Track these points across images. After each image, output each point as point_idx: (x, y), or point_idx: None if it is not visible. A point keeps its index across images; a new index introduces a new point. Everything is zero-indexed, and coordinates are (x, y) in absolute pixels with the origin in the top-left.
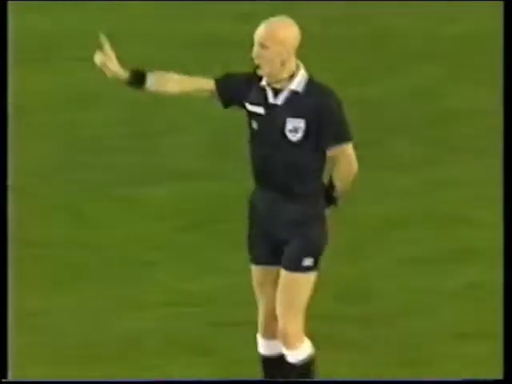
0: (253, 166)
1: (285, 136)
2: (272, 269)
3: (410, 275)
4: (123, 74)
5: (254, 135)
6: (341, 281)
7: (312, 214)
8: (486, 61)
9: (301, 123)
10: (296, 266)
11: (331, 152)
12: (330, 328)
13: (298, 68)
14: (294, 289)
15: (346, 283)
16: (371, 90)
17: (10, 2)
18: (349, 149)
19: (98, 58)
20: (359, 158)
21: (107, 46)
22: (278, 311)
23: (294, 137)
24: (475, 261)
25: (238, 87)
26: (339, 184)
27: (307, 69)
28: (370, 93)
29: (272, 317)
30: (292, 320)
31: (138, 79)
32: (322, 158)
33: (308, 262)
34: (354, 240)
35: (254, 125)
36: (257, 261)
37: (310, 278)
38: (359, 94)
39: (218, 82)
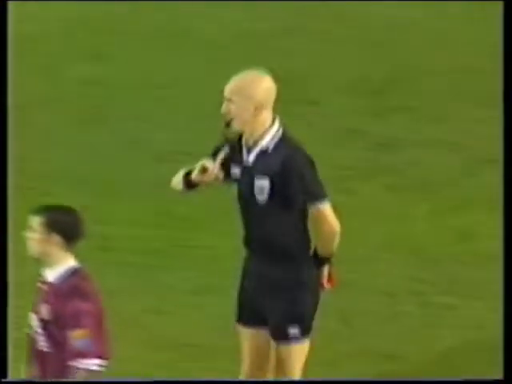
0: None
1: (254, 197)
2: (254, 331)
3: None
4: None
5: (237, 199)
6: None
7: (296, 277)
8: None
9: (265, 183)
10: (282, 336)
11: (309, 212)
12: None
13: (272, 123)
14: (286, 359)
15: None
16: None
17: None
18: (325, 208)
19: (207, 165)
20: None
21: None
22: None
23: (261, 197)
24: None
25: (228, 158)
26: (322, 246)
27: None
28: None
29: (256, 369)
30: None
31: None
32: (297, 218)
33: (294, 330)
34: None
35: (235, 187)
36: (241, 321)
37: (299, 347)
38: None
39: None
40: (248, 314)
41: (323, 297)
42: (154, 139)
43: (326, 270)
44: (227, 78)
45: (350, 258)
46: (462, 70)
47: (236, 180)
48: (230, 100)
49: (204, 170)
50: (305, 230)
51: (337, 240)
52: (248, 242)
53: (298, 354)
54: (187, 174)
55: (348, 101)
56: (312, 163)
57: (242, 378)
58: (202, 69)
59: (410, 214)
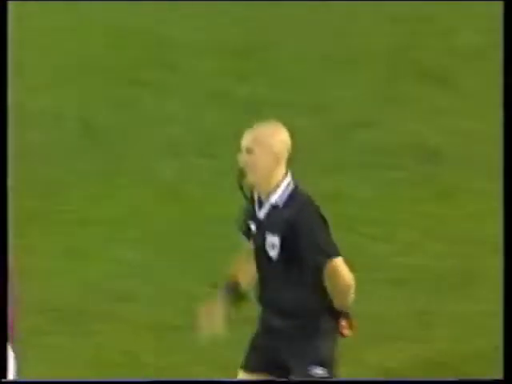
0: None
1: (265, 252)
2: (258, 375)
3: None
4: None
5: (254, 255)
6: None
7: (312, 328)
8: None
9: (276, 240)
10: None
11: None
12: None
13: (284, 178)
14: None
15: None
16: None
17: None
18: (339, 264)
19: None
20: None
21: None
22: None
23: (273, 253)
24: None
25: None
26: (337, 300)
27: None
28: None
29: None
30: None
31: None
32: (309, 274)
33: (319, 371)
34: None
35: (251, 244)
36: (246, 367)
37: None
38: None
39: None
40: (258, 360)
41: None
42: None
43: (343, 321)
44: None
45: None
46: (323, 32)
47: (252, 236)
48: (248, 150)
49: None
50: (319, 285)
51: (352, 293)
52: (261, 298)
53: None
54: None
55: (210, 64)
56: (324, 219)
57: None
58: None
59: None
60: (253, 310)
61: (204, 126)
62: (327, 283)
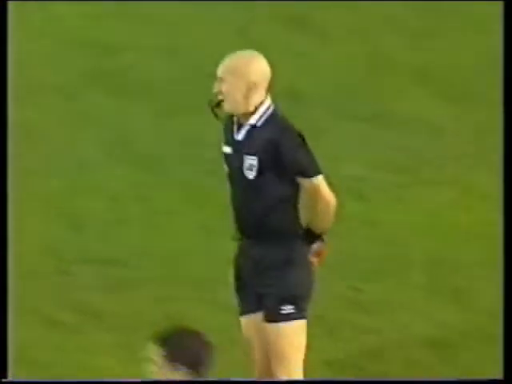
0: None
1: (243, 174)
2: (255, 316)
3: None
4: None
5: (228, 177)
6: None
7: (287, 256)
8: None
9: (254, 160)
10: (274, 316)
11: (303, 187)
12: None
13: (263, 102)
14: (278, 340)
15: None
16: None
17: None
18: (320, 183)
19: None
20: None
21: None
22: (271, 364)
23: (250, 175)
24: None
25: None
26: (317, 221)
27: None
28: None
29: (265, 373)
30: (283, 372)
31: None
32: (286, 194)
33: (287, 309)
34: None
35: (225, 167)
36: (242, 311)
37: (294, 326)
38: None
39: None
40: (248, 301)
41: None
42: None
43: (317, 246)
44: None
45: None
46: None
47: (226, 159)
48: (222, 79)
49: None
50: (294, 208)
51: (333, 214)
52: (238, 222)
53: (294, 332)
54: None
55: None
56: (303, 140)
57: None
58: None
59: (133, 119)
60: None
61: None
62: (308, 204)
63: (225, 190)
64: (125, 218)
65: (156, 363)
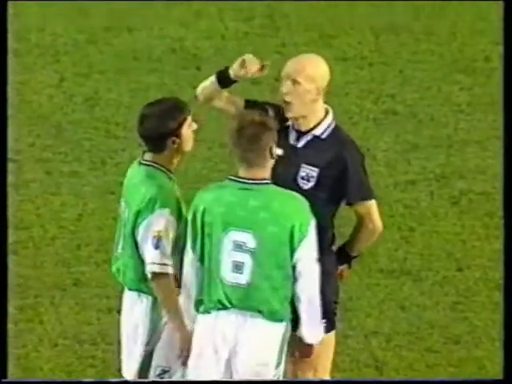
0: None
1: (296, 182)
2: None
3: None
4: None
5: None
6: None
7: (324, 271)
8: None
9: (314, 172)
10: None
11: (355, 209)
12: None
13: (327, 113)
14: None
15: None
16: None
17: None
18: (373, 206)
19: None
20: None
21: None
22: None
23: (306, 185)
24: None
25: None
26: (360, 244)
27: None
28: None
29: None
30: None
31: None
32: (331, 212)
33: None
34: None
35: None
36: None
37: (325, 340)
38: None
39: (247, 103)
40: None
41: None
42: None
43: (346, 266)
44: None
45: None
46: None
47: (277, 162)
48: (293, 80)
49: (243, 63)
50: (333, 225)
51: (374, 241)
52: None
53: (326, 346)
54: (225, 70)
55: None
56: (363, 159)
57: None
58: None
59: (36, 80)
60: None
61: None
62: (359, 225)
63: None
64: None
65: None
